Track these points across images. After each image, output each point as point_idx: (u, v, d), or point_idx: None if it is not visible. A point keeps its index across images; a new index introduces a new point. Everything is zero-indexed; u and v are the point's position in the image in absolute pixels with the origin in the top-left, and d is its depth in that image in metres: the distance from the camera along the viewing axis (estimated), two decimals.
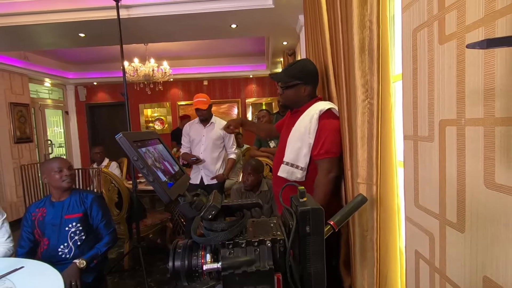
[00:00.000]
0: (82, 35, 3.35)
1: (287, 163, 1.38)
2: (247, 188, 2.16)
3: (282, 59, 4.86)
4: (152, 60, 4.75)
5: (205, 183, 2.77)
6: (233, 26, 3.27)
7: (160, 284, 2.53)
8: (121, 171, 3.83)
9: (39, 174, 3.04)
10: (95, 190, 2.71)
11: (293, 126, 1.43)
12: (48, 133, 5.79)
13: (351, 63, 1.07)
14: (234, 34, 3.60)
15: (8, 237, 1.71)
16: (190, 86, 6.58)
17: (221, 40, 4.69)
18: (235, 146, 2.94)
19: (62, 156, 6.25)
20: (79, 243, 1.71)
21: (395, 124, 1.07)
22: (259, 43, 5.14)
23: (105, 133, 6.76)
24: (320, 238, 0.55)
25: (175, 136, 5.44)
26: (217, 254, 0.54)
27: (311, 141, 1.34)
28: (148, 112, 6.65)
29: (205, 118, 2.77)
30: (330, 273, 1.38)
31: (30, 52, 4.96)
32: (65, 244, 1.69)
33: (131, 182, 2.86)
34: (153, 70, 4.74)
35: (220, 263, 0.52)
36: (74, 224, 1.71)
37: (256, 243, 0.53)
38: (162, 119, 6.64)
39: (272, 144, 3.26)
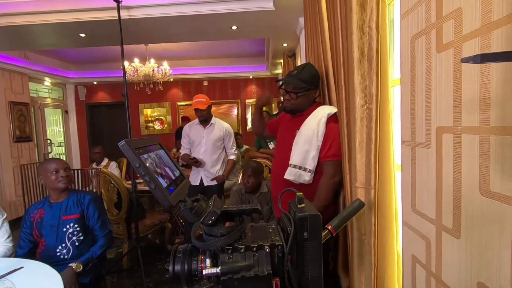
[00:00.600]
0: (82, 35, 3.35)
1: (295, 166, 1.38)
2: (247, 190, 2.17)
3: (282, 61, 4.88)
4: (152, 60, 4.76)
5: (205, 184, 2.78)
6: (234, 27, 3.28)
7: (159, 284, 2.54)
8: (121, 171, 3.83)
9: (38, 175, 3.04)
10: (94, 190, 2.71)
11: (296, 129, 1.44)
12: (48, 133, 5.79)
13: (351, 68, 1.08)
14: (234, 35, 3.61)
15: (8, 237, 1.71)
16: (190, 87, 6.59)
17: (221, 41, 4.70)
18: (235, 147, 2.95)
19: (61, 156, 6.25)
20: (77, 243, 1.72)
21: (394, 129, 1.08)
22: (259, 44, 5.15)
23: (104, 132, 6.77)
24: (318, 243, 0.55)
25: (180, 135, 5.48)
26: (216, 259, 0.55)
27: (320, 143, 1.36)
28: (148, 111, 6.65)
29: (205, 118, 2.78)
30: (329, 276, 1.40)
31: (30, 51, 4.96)
32: (63, 245, 1.69)
33: (130, 182, 2.86)
34: (153, 70, 4.75)
35: (219, 268, 0.53)
36: (71, 225, 1.71)
37: (254, 248, 0.54)
38: (162, 119, 6.64)
39: (271, 145, 3.28)
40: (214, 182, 2.78)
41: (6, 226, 1.73)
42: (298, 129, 1.43)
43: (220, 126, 2.85)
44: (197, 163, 2.73)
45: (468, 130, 0.64)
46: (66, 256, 1.69)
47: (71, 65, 6.14)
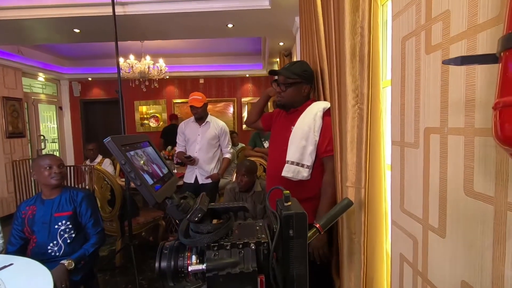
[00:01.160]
0: (77, 30, 3.32)
1: (292, 162, 1.37)
2: (241, 189, 2.17)
3: (278, 60, 4.88)
4: (148, 57, 4.73)
5: (200, 182, 2.78)
6: (230, 25, 3.28)
7: (151, 282, 2.53)
8: (115, 168, 3.81)
9: (31, 170, 3.02)
10: (87, 187, 2.70)
11: (291, 125, 1.43)
12: (41, 129, 5.73)
13: (343, 68, 1.09)
14: (230, 33, 3.60)
15: None
16: (186, 84, 6.56)
17: (217, 39, 4.69)
18: (230, 146, 2.95)
19: (55, 152, 6.19)
20: (69, 241, 1.71)
21: (385, 129, 1.09)
22: (255, 43, 5.15)
23: (99, 129, 6.72)
24: (303, 241, 0.56)
25: (165, 133, 5.40)
26: (202, 256, 0.56)
27: (317, 138, 1.35)
28: (143, 109, 6.62)
29: (200, 116, 2.77)
30: (322, 275, 1.40)
31: (24, 46, 4.90)
32: (55, 242, 1.68)
33: (124, 179, 2.85)
34: (148, 67, 4.72)
35: (205, 265, 0.53)
36: (64, 222, 1.70)
37: (240, 245, 0.55)
38: (157, 116, 6.61)
39: (266, 144, 3.28)
40: (209, 180, 2.78)
41: None
42: (293, 125, 1.42)
43: (216, 124, 2.84)
44: (191, 160, 2.72)
45: (454, 131, 0.65)
46: (57, 254, 1.68)
47: (65, 60, 6.07)
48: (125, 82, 5.53)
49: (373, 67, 1.04)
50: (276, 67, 5.53)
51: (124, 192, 2.69)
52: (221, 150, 2.90)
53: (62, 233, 1.69)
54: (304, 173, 1.35)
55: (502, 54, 0.33)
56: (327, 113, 1.38)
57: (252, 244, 0.54)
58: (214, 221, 0.61)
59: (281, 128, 1.52)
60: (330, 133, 1.33)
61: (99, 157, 3.68)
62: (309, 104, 1.44)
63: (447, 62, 0.38)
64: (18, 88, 4.89)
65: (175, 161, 3.75)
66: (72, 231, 1.72)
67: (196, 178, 2.80)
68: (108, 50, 5.23)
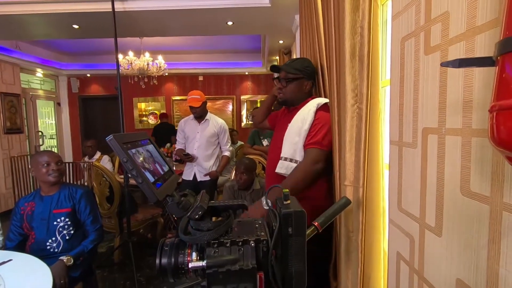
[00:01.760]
0: (76, 26, 3.31)
1: (285, 159, 1.36)
2: (240, 187, 2.18)
3: (277, 58, 4.87)
4: (147, 54, 4.71)
5: (198, 180, 2.78)
6: (229, 23, 3.27)
7: (150, 279, 2.55)
8: (113, 165, 3.81)
9: (29, 166, 3.01)
10: (86, 184, 2.70)
11: (288, 122, 1.43)
12: (39, 125, 5.71)
13: (342, 68, 1.09)
14: (230, 31, 3.60)
15: None
16: (185, 81, 6.55)
17: (217, 36, 4.68)
18: (229, 144, 2.95)
19: (53, 148, 6.17)
20: (67, 237, 1.71)
21: (383, 129, 1.10)
22: (255, 41, 5.14)
23: (98, 126, 6.70)
24: (302, 239, 0.57)
25: (156, 131, 5.45)
26: (203, 253, 0.56)
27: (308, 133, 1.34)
28: (142, 105, 6.60)
29: (199, 115, 2.77)
30: (320, 275, 1.41)
31: (22, 41, 4.87)
32: (54, 238, 1.69)
33: (122, 176, 2.85)
34: (148, 64, 4.71)
35: (205, 261, 0.54)
36: (62, 218, 1.70)
37: (240, 243, 0.56)
38: (156, 113, 6.60)
39: (265, 142, 3.29)
40: (207, 178, 2.78)
41: None
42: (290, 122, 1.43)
43: (215, 122, 2.84)
44: (190, 158, 2.73)
45: (452, 131, 0.66)
46: (56, 250, 1.69)
47: (64, 56, 6.04)
48: (124, 79, 5.51)
49: (373, 67, 1.04)
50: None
51: (123, 189, 2.70)
52: (220, 147, 2.91)
53: (61, 229, 1.70)
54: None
55: (498, 58, 0.33)
56: (322, 108, 1.37)
57: (251, 242, 0.55)
58: (213, 219, 0.62)
59: (280, 126, 1.53)
60: (320, 127, 1.31)
61: (98, 154, 3.68)
62: (308, 102, 1.44)
63: (445, 64, 0.39)
64: (16, 84, 4.86)
65: (173, 159, 3.75)
66: (71, 228, 1.72)
67: (194, 175, 2.80)
68: (107, 46, 5.20)
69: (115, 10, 2.46)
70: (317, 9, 1.49)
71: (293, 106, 1.49)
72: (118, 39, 2.53)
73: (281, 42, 4.07)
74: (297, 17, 2.94)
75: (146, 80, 5.00)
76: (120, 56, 4.36)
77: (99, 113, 6.70)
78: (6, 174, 4.46)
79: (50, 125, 6.24)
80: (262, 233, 0.58)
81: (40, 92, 5.86)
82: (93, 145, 3.66)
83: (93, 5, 2.83)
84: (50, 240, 1.68)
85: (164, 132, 5.42)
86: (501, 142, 0.34)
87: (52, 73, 6.08)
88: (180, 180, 2.90)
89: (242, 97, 6.60)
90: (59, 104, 6.38)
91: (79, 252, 1.65)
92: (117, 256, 2.82)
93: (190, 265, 0.54)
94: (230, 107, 6.62)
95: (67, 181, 2.72)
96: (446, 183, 0.68)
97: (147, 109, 6.61)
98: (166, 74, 5.78)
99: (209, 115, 2.85)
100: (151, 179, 0.51)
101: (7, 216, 2.18)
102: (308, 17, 1.73)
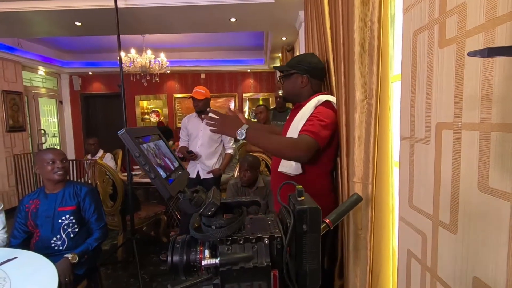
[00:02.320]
0: (78, 24, 3.29)
1: None
2: (243, 184, 2.16)
3: (280, 55, 4.85)
4: (149, 52, 4.69)
5: (201, 177, 2.77)
6: (232, 20, 3.24)
7: (154, 276, 2.55)
8: (116, 163, 3.81)
9: (32, 164, 3.01)
10: (89, 182, 2.70)
11: (293, 120, 1.43)
12: (42, 123, 5.71)
13: (351, 63, 1.07)
14: (233, 28, 3.57)
15: (3, 228, 1.70)
16: (187, 79, 6.53)
17: (219, 33, 4.65)
18: (232, 141, 2.94)
19: (55, 146, 6.18)
20: (72, 235, 1.70)
21: (392, 125, 1.08)
22: (257, 38, 5.11)
23: (99, 124, 6.70)
24: (317, 236, 0.56)
25: None
26: (215, 250, 0.55)
27: None
28: (144, 103, 6.59)
29: (200, 110, 2.75)
30: (325, 273, 1.40)
31: (24, 39, 4.86)
32: (58, 236, 1.68)
33: (125, 174, 2.85)
34: (150, 62, 4.69)
35: (218, 259, 0.52)
36: (67, 216, 1.70)
37: (254, 240, 0.54)
38: (158, 111, 6.59)
39: None
40: (211, 175, 2.77)
41: (2, 217, 1.72)
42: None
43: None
44: (193, 156, 2.72)
45: (469, 126, 0.64)
46: (60, 248, 1.68)
47: (65, 54, 6.03)
48: (126, 77, 5.47)
49: (382, 61, 1.02)
50: (278, 62, 5.51)
51: (126, 186, 2.69)
52: (223, 145, 2.89)
53: (65, 227, 1.69)
54: (295, 167, 1.31)
55: None
56: (324, 104, 1.33)
57: (265, 239, 0.54)
58: (225, 215, 0.61)
59: (287, 124, 1.51)
60: (314, 118, 1.26)
61: (100, 152, 3.68)
62: (312, 99, 1.42)
63: (472, 54, 0.37)
64: (18, 82, 4.86)
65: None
66: (75, 226, 1.72)
67: (198, 173, 2.79)
68: (109, 44, 5.19)
69: (118, 7, 2.44)
70: (323, 4, 1.47)
71: (297, 102, 1.47)
72: (120, 36, 2.51)
73: (284, 39, 4.05)
74: (301, 13, 2.91)
75: (148, 77, 4.98)
76: (122, 54, 4.34)
77: (101, 111, 6.70)
78: (9, 172, 4.46)
79: (52, 123, 6.24)
80: (276, 230, 0.56)
81: (42, 90, 5.85)
82: (95, 143, 3.65)
83: (95, 2, 2.81)
84: (54, 238, 1.68)
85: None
86: None
87: (54, 71, 6.07)
88: None
89: (244, 94, 6.58)
90: (61, 102, 6.38)
91: (83, 250, 1.65)
92: (121, 254, 2.82)
93: (203, 262, 0.53)
94: (232, 105, 6.60)
95: (70, 179, 2.71)
96: (462, 179, 0.67)
97: (148, 107, 6.60)
98: (168, 71, 5.76)
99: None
100: (163, 174, 0.50)
101: (10, 214, 2.18)
102: (314, 12, 1.70)
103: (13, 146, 4.65)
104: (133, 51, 4.57)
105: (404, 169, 0.92)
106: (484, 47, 0.38)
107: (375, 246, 1.08)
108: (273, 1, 2.76)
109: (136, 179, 3.17)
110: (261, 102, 6.40)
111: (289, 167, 1.34)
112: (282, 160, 1.37)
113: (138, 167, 3.68)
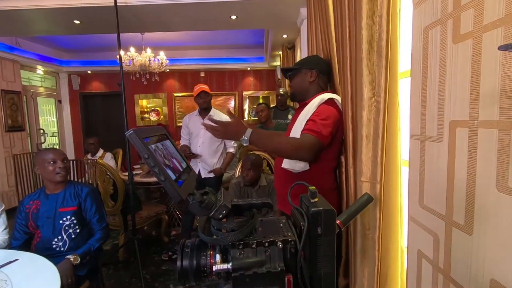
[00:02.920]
0: (77, 22, 3.25)
1: None
2: (246, 183, 2.14)
3: (281, 53, 4.82)
4: (149, 50, 4.66)
5: (203, 177, 2.75)
6: (233, 17, 3.21)
7: (155, 276, 2.53)
8: (116, 162, 3.78)
9: (32, 164, 2.98)
10: (90, 182, 2.67)
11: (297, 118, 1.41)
12: (41, 122, 5.67)
13: (359, 60, 1.05)
14: (234, 25, 3.54)
15: (5, 229, 1.68)
16: (187, 78, 6.49)
17: (219, 31, 4.61)
18: (234, 140, 2.92)
19: (55, 146, 6.14)
20: (73, 236, 1.68)
21: (401, 123, 1.06)
22: (258, 35, 5.07)
23: (99, 123, 6.66)
24: (331, 239, 0.54)
25: None
26: (226, 254, 0.53)
27: None
28: (144, 102, 6.55)
29: (206, 106, 2.73)
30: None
31: (22, 38, 4.82)
32: (59, 237, 1.66)
33: (126, 173, 2.82)
34: (149, 60, 4.66)
35: (230, 264, 0.50)
36: (68, 217, 1.68)
37: (267, 244, 0.52)
38: (157, 110, 6.55)
39: None
40: (212, 175, 2.75)
41: (3, 217, 1.69)
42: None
43: (219, 118, 2.80)
44: (194, 155, 2.70)
45: (486, 124, 0.62)
46: (62, 249, 1.66)
47: (64, 53, 5.99)
48: (126, 75, 5.43)
49: (391, 58, 1.00)
50: (278, 60, 5.47)
51: (127, 186, 2.67)
52: (224, 144, 2.87)
53: (66, 228, 1.67)
54: (301, 164, 1.29)
55: None
56: (327, 102, 1.32)
57: (279, 243, 0.52)
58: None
59: (292, 123, 1.49)
60: (317, 117, 1.26)
61: (101, 151, 3.65)
62: (316, 97, 1.41)
63: (503, 48, 0.35)
64: (17, 81, 4.81)
65: None
66: (76, 227, 1.69)
67: (199, 172, 2.77)
68: (108, 42, 5.14)
69: (118, 4, 2.41)
70: (327, 1, 1.44)
71: (304, 100, 1.46)
72: (120, 34, 2.48)
73: (284, 36, 4.02)
74: (302, 10, 2.88)
75: (147, 76, 4.95)
76: (122, 52, 4.30)
77: (101, 110, 6.66)
78: (9, 172, 4.43)
79: (52, 122, 6.20)
80: (289, 233, 0.54)
81: (41, 90, 5.81)
82: (95, 143, 3.62)
83: None
84: (56, 239, 1.65)
85: None
86: None
87: (53, 70, 6.02)
88: None
89: (244, 93, 6.55)
90: (60, 101, 6.33)
91: (85, 250, 1.62)
92: (122, 254, 2.80)
93: (214, 268, 0.51)
94: (232, 103, 6.57)
95: (70, 179, 2.68)
96: (478, 179, 0.65)
97: (148, 106, 6.56)
98: (168, 70, 5.72)
99: (213, 111, 2.81)
100: (173, 176, 0.48)
101: (10, 215, 2.15)
102: (316, 8, 1.68)
103: (12, 146, 4.62)
104: (132, 49, 4.53)
105: (414, 168, 0.90)
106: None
107: (383, 246, 1.07)
108: None
109: (137, 178, 3.15)
110: (261, 101, 6.38)
111: (293, 163, 1.32)
112: None
113: (138, 166, 3.66)
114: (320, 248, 0.53)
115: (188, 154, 2.72)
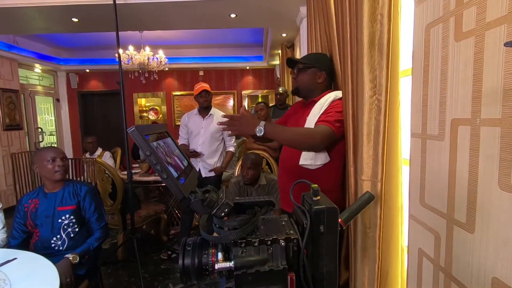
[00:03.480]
0: (75, 20, 3.23)
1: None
2: (246, 182, 2.14)
3: (280, 51, 4.81)
4: (148, 49, 4.64)
5: (203, 176, 2.75)
6: (233, 16, 3.20)
7: (154, 275, 2.52)
8: (115, 161, 3.77)
9: (30, 163, 2.97)
10: (89, 181, 2.66)
11: (307, 116, 1.40)
12: (39, 121, 5.64)
13: (359, 58, 1.05)
14: (233, 24, 3.53)
15: (3, 228, 1.66)
16: (186, 77, 6.48)
17: (218, 30, 4.60)
18: (234, 139, 2.91)
19: (53, 145, 6.12)
20: (72, 235, 1.67)
21: (402, 121, 1.06)
22: (257, 34, 5.06)
23: (97, 122, 6.64)
24: (334, 237, 0.53)
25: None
26: (228, 253, 0.53)
27: None
28: (142, 101, 6.54)
29: (207, 105, 2.72)
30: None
31: (20, 36, 4.78)
32: (58, 236, 1.65)
33: (125, 172, 2.81)
34: (148, 59, 4.64)
35: (232, 262, 0.50)
36: (67, 216, 1.67)
37: (269, 242, 0.52)
38: (156, 109, 6.54)
39: None
40: (212, 174, 2.74)
41: (1, 216, 1.68)
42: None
43: (219, 116, 2.79)
44: (195, 154, 2.69)
45: (489, 122, 0.62)
46: (61, 248, 1.65)
47: (62, 51, 5.95)
48: (124, 74, 5.42)
49: (392, 56, 1.00)
50: (277, 59, 5.46)
51: (126, 185, 2.66)
52: (224, 143, 2.86)
53: (65, 227, 1.66)
54: (322, 156, 1.30)
55: None
56: (339, 99, 1.35)
57: (281, 241, 0.52)
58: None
59: (298, 119, 1.48)
60: (332, 110, 1.30)
61: (99, 150, 3.64)
62: (327, 94, 1.41)
63: (509, 44, 0.34)
64: (15, 80, 4.79)
65: None
66: (75, 225, 1.69)
67: (199, 171, 2.76)
68: (106, 41, 5.12)
69: (116, 2, 2.39)
70: None
71: (309, 97, 1.45)
72: (119, 33, 2.46)
73: (284, 35, 4.01)
74: (302, 8, 2.88)
75: (146, 75, 4.93)
76: (120, 51, 4.28)
77: (99, 109, 6.63)
78: (7, 171, 4.41)
79: (50, 121, 6.17)
80: (291, 231, 0.54)
81: (39, 88, 5.78)
82: (94, 142, 3.61)
83: None
84: (54, 238, 1.65)
85: None
86: None
87: (51, 69, 5.99)
88: None
89: (243, 92, 6.54)
90: (58, 100, 6.31)
91: (84, 250, 1.62)
92: (121, 253, 2.79)
93: (217, 266, 0.50)
94: (231, 102, 6.56)
95: (70, 178, 2.67)
96: (480, 177, 0.65)
97: (147, 105, 6.55)
98: (167, 69, 5.70)
99: (213, 110, 2.80)
100: (175, 174, 0.48)
101: (8, 214, 2.14)
102: (317, 7, 1.67)
103: (10, 144, 4.60)
104: (131, 48, 4.51)
105: (415, 166, 0.90)
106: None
107: (384, 244, 1.07)
108: None
109: (135, 177, 3.14)
110: (260, 99, 6.37)
111: (313, 157, 1.31)
112: (304, 153, 1.33)
113: (137, 165, 3.65)
114: (322, 246, 0.53)
115: (190, 153, 2.71)
